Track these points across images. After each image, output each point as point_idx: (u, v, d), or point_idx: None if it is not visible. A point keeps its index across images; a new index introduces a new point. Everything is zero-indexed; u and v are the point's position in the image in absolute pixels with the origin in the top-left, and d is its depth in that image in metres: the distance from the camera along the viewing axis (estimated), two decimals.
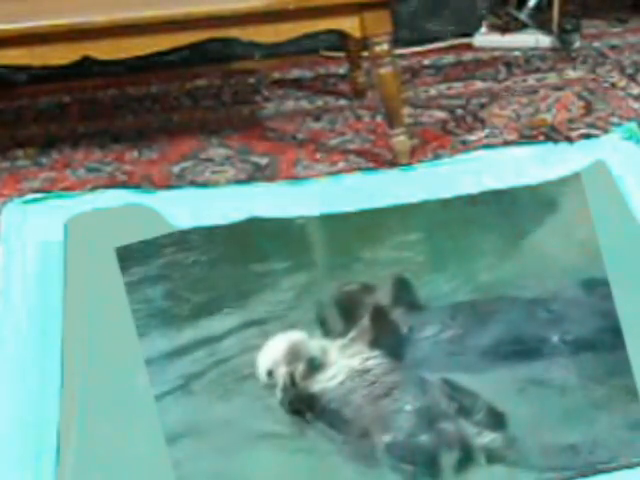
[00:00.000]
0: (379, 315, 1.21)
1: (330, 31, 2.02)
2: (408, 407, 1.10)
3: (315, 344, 1.18)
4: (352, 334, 1.19)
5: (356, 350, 1.18)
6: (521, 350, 1.16)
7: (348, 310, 1.22)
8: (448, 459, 1.06)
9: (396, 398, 1.12)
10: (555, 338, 1.16)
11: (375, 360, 1.16)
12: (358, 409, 1.12)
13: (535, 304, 1.20)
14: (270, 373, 1.16)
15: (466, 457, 1.07)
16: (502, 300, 1.22)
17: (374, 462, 1.07)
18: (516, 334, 1.18)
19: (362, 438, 1.10)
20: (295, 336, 1.19)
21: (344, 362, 1.17)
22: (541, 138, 2.13)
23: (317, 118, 2.34)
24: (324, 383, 1.15)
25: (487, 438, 1.08)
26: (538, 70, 2.54)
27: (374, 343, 1.18)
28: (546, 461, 1.05)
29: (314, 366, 1.16)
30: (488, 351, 1.17)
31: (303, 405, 1.14)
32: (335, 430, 1.11)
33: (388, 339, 1.19)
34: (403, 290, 1.23)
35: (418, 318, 1.21)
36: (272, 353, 1.17)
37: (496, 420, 1.09)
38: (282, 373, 1.16)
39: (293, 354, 1.17)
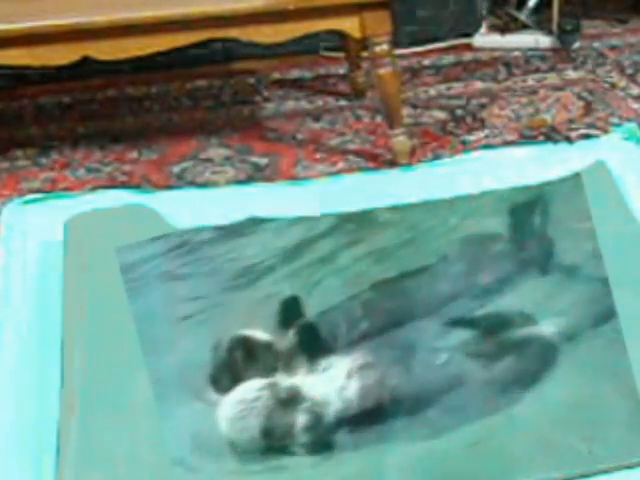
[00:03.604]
0: (306, 329, 1.14)
1: (330, 31, 2.03)
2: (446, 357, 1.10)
3: (285, 382, 1.09)
4: (282, 364, 1.11)
5: (306, 369, 1.10)
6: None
7: (250, 350, 1.13)
8: (540, 363, 1.09)
9: (429, 363, 1.10)
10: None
11: (355, 357, 1.11)
12: (415, 383, 1.08)
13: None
14: (269, 432, 1.05)
15: (552, 351, 1.10)
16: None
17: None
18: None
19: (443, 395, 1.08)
20: (256, 385, 1.09)
21: (328, 380, 1.10)
22: (541, 138, 2.13)
23: (317, 118, 2.34)
24: (340, 402, 1.08)
25: (551, 327, 1.11)
26: (538, 70, 2.55)
27: (326, 353, 1.12)
28: None
29: (306, 398, 1.08)
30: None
31: (336, 430, 1.06)
32: (415, 414, 1.06)
33: (337, 343, 1.13)
34: (292, 310, 1.16)
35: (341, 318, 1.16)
36: (256, 415, 1.06)
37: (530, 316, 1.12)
38: (294, 421, 1.06)
39: (285, 400, 1.08)
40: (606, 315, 1.13)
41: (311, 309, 1.16)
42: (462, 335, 1.12)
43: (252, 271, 1.21)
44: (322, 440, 1.05)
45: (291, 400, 1.07)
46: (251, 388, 1.09)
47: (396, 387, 1.08)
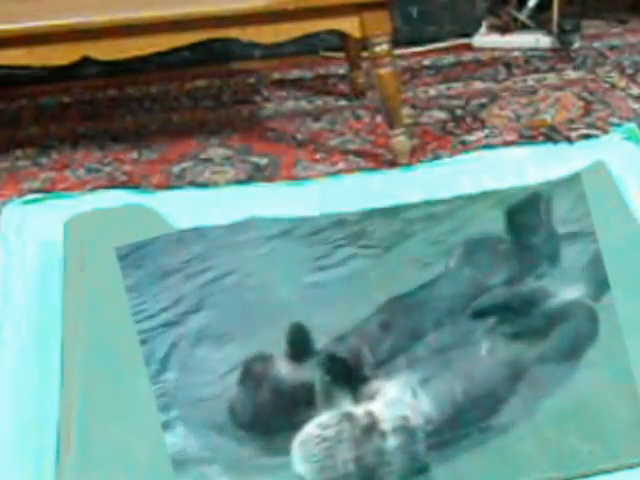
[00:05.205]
0: (331, 360, 1.09)
1: (330, 31, 2.03)
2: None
3: (359, 411, 1.04)
4: (321, 398, 1.06)
5: (350, 400, 1.06)
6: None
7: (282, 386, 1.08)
8: (586, 326, 1.11)
9: (476, 357, 1.08)
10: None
11: (405, 376, 1.07)
12: (479, 381, 1.07)
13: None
14: (361, 463, 1.00)
15: (591, 311, 1.12)
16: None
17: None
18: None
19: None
20: (330, 419, 1.03)
21: (393, 403, 1.05)
22: (541, 138, 2.13)
23: (317, 118, 2.34)
24: (420, 419, 1.03)
25: (575, 292, 1.12)
26: (538, 70, 2.55)
27: (364, 381, 1.08)
28: None
29: (387, 421, 1.03)
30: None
31: (428, 450, 1.02)
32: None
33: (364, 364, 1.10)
34: (299, 340, 1.11)
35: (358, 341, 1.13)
36: (346, 448, 1.01)
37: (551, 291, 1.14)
38: (384, 446, 1.01)
39: (369, 427, 1.02)
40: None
41: (324, 335, 1.12)
42: (492, 321, 1.12)
43: (250, 279, 1.20)
44: (417, 462, 1.02)
45: (374, 425, 1.03)
46: (326, 424, 1.03)
47: (466, 390, 1.05)
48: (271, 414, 1.07)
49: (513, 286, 1.17)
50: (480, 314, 1.13)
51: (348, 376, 1.08)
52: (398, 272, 1.20)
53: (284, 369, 1.10)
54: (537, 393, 1.06)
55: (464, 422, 1.04)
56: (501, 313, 1.13)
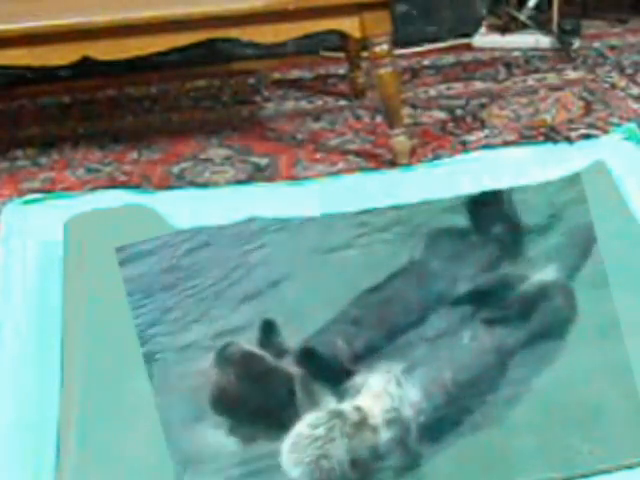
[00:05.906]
0: (307, 356, 1.08)
1: (330, 31, 2.03)
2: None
3: (348, 407, 1.03)
4: (301, 394, 1.05)
5: (330, 395, 1.05)
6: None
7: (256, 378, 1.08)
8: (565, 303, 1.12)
9: (460, 346, 1.08)
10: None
11: (387, 367, 1.06)
12: (466, 369, 1.07)
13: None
14: (356, 459, 1.00)
15: (568, 294, 1.12)
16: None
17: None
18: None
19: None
20: (319, 418, 1.01)
21: (379, 395, 1.04)
22: (541, 138, 2.13)
23: (317, 118, 2.34)
24: (410, 410, 1.03)
25: (550, 274, 1.12)
26: (538, 70, 2.55)
27: (345, 376, 1.07)
28: None
29: (377, 415, 1.03)
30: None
31: (421, 440, 1.01)
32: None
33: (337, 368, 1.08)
34: (270, 334, 1.11)
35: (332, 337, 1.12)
36: (338, 445, 0.99)
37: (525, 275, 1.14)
38: (378, 440, 1.01)
39: (360, 422, 1.01)
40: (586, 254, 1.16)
41: (298, 331, 1.12)
42: (469, 309, 1.12)
43: (231, 277, 1.21)
44: (412, 455, 1.01)
45: (365, 421, 1.02)
46: (316, 423, 1.02)
47: (453, 378, 1.05)
48: (252, 408, 1.06)
49: (484, 273, 1.17)
50: (456, 303, 1.13)
51: (327, 371, 1.07)
52: (365, 266, 1.20)
53: (262, 363, 1.09)
54: (526, 375, 1.07)
55: (455, 409, 1.04)
56: (477, 300, 1.13)
